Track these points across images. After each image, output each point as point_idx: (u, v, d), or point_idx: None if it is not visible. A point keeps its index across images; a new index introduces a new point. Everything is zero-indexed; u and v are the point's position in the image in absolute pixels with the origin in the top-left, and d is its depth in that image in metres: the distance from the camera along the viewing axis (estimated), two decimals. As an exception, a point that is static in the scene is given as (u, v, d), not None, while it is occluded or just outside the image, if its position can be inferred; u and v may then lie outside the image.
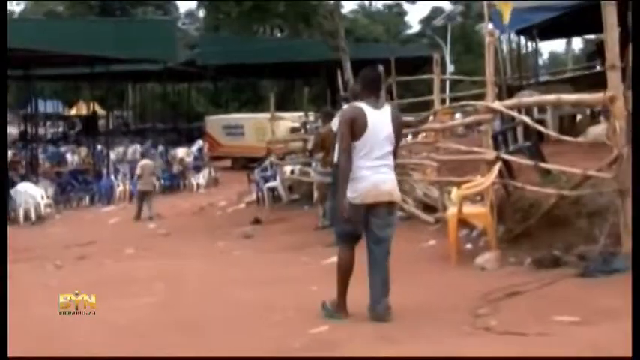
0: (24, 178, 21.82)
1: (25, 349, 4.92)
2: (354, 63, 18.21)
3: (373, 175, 5.01)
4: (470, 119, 9.44)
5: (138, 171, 18.67)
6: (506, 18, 13.48)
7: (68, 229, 15.96)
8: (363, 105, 5.09)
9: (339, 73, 15.13)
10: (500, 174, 7.57)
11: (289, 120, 19.56)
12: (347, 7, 62.99)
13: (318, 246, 9.05)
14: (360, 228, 5.13)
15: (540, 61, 30.75)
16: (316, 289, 6.19)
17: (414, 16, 72.59)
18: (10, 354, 4.77)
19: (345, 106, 9.47)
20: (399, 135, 5.23)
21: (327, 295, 5.35)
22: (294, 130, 19.72)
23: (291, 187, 15.30)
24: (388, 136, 5.07)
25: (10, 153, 32.45)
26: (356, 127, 4.99)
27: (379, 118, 5.03)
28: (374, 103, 5.09)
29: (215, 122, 32.48)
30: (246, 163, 24.65)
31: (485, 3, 9.94)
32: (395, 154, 5.22)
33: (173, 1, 61.25)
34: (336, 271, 5.23)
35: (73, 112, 52.78)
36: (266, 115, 18.70)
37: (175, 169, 26.43)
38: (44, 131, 43.47)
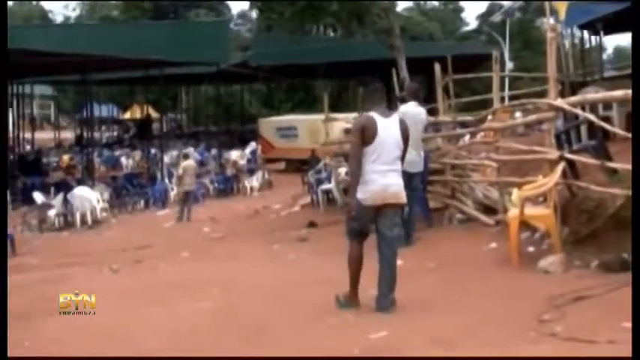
0: (80, 182, 22.37)
1: (82, 352, 5.06)
2: (410, 61, 18.15)
3: (381, 179, 5.57)
4: (531, 117, 9.28)
5: (180, 171, 18.98)
6: (562, 15, 13.25)
7: (124, 232, 16.28)
8: (373, 114, 5.66)
9: (394, 72, 15.07)
10: (564, 174, 7.43)
11: (344, 121, 19.53)
12: (401, 5, 62.86)
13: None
14: (369, 226, 5.72)
15: (605, 56, 30.09)
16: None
17: (471, 13, 71.95)
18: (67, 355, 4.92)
19: (401, 107, 9.52)
20: (406, 140, 5.75)
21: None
22: (348, 131, 19.69)
23: (346, 190, 15.24)
24: (397, 142, 5.65)
25: (66, 157, 33.46)
26: (366, 135, 5.56)
27: (388, 126, 5.62)
28: (383, 112, 5.70)
29: (268, 124, 32.71)
30: (300, 165, 24.75)
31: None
32: (403, 157, 5.79)
33: (225, 1, 61.95)
34: (348, 266, 5.81)
35: (127, 115, 53.94)
36: (320, 116, 18.73)
37: (229, 171, 26.70)
38: (99, 135, 44.55)
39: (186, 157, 20.74)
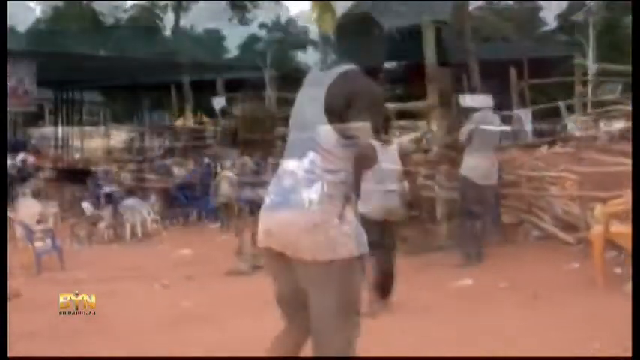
0: (130, 193, 22.74)
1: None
2: (482, 65, 17.93)
3: (382, 198, 6.72)
4: (618, 126, 9.10)
5: (219, 182, 19.17)
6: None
7: (175, 246, 16.47)
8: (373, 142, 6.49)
9: (464, 76, 14.94)
10: (655, 188, 7.24)
11: (410, 130, 19.46)
12: (472, 4, 62.29)
13: (443, 267, 8.96)
14: (378, 238, 6.36)
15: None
16: (444, 316, 6.11)
17: (550, 11, 70.60)
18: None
19: (474, 115, 9.46)
20: (405, 165, 6.94)
21: (459, 326, 5.28)
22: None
23: (410, 203, 15.12)
24: (393, 168, 6.77)
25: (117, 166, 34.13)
26: None
27: (386, 152, 6.56)
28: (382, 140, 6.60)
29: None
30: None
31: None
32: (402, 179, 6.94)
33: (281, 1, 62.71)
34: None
35: (180, 123, 54.73)
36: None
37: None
38: (150, 143, 45.28)
39: (223, 168, 21.01)
